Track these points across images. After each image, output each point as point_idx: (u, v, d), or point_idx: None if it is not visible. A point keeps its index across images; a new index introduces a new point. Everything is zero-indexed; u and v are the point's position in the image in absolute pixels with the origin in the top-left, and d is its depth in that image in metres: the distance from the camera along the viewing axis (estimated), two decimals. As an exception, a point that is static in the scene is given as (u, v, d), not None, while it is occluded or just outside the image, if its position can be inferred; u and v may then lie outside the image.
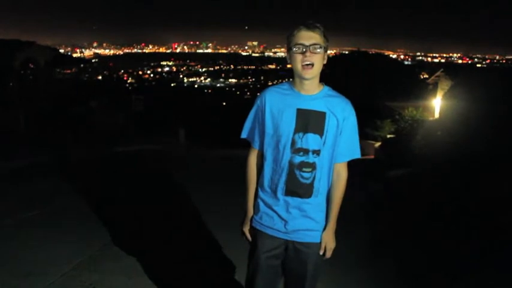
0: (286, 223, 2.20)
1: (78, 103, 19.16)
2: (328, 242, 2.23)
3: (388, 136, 17.14)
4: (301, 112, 2.12)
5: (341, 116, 2.15)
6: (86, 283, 3.48)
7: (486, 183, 7.11)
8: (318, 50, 2.08)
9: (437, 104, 18.46)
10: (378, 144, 16.77)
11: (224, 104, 41.68)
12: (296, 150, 2.13)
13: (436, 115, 17.99)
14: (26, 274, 3.60)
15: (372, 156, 15.97)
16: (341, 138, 2.18)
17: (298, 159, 2.14)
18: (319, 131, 2.12)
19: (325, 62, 2.14)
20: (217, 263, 3.96)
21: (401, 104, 19.74)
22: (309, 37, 2.07)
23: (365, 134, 17.91)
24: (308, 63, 2.08)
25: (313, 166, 2.15)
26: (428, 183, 8.26)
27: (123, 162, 9.85)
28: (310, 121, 2.12)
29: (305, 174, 2.15)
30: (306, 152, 2.13)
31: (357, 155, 2.25)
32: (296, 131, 2.12)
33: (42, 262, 3.84)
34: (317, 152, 2.13)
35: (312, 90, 2.16)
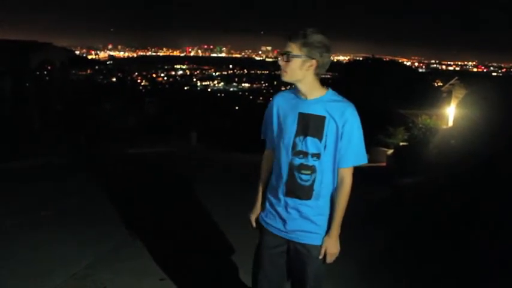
0: (285, 223, 2.28)
1: (92, 104, 19.37)
2: (329, 247, 2.25)
3: (401, 144, 17.00)
4: (302, 116, 2.20)
5: (340, 120, 2.17)
6: (98, 283, 3.51)
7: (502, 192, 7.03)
8: (288, 58, 2.15)
9: (451, 112, 18.27)
10: (390, 151, 16.65)
11: (237, 108, 41.74)
12: (296, 153, 2.21)
13: (450, 123, 17.81)
14: (37, 273, 3.64)
15: (384, 164, 15.86)
16: (341, 143, 2.18)
17: (297, 161, 2.22)
18: (318, 135, 2.18)
19: (307, 69, 2.16)
20: (227, 265, 3.97)
21: (415, 111, 19.57)
22: (286, 46, 2.17)
23: (377, 141, 17.79)
24: (281, 68, 2.19)
25: (312, 169, 2.20)
26: (439, 192, 8.18)
27: (135, 163, 9.92)
28: (309, 125, 2.19)
29: (304, 177, 2.22)
30: (305, 154, 2.20)
31: (360, 160, 2.24)
32: (297, 134, 2.21)
33: (54, 261, 3.88)
34: (317, 156, 2.19)
35: (311, 95, 2.21)
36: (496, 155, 8.80)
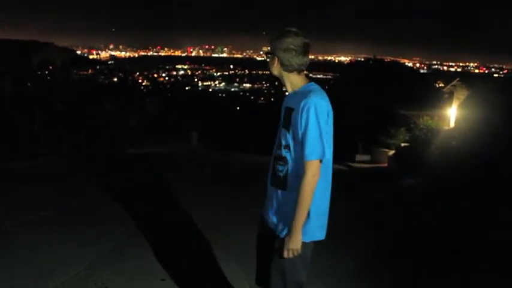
0: (268, 213, 2.39)
1: (93, 104, 19.37)
2: (287, 241, 2.21)
3: (402, 144, 17.00)
4: (284, 109, 2.34)
5: (299, 111, 2.18)
6: (99, 283, 3.51)
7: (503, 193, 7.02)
8: (267, 56, 2.35)
9: (452, 113, 18.28)
10: (391, 152, 16.64)
11: (238, 108, 41.76)
12: (277, 145, 2.36)
13: (452, 124, 17.81)
14: (37, 273, 3.63)
15: (386, 164, 15.86)
16: (301, 134, 2.18)
17: (277, 152, 2.34)
18: (287, 126, 2.26)
19: (275, 65, 2.31)
20: (227, 265, 3.96)
21: (416, 112, 19.56)
22: None
23: (379, 142, 17.81)
24: None
25: (284, 160, 2.28)
26: (440, 193, 8.17)
27: (136, 163, 9.92)
28: (285, 117, 2.30)
29: (279, 167, 2.31)
30: (280, 146, 2.31)
31: (311, 156, 2.15)
32: (280, 127, 2.35)
33: (54, 261, 3.88)
34: (287, 147, 2.27)
35: (290, 89, 2.34)
36: (497, 156, 8.79)
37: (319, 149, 2.15)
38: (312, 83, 2.31)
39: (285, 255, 2.21)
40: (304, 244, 2.21)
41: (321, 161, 2.17)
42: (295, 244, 2.19)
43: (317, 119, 2.14)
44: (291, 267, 2.26)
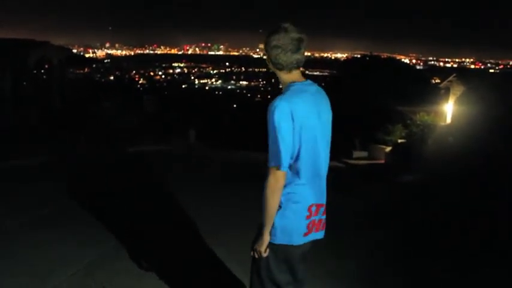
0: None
1: (90, 103, 19.32)
2: (256, 241, 2.23)
3: (399, 141, 17.05)
4: None
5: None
6: (98, 283, 3.52)
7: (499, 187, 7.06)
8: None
9: (449, 109, 18.36)
10: (388, 148, 16.68)
11: (235, 106, 41.69)
12: None
13: (448, 120, 17.88)
14: (37, 273, 3.64)
15: (383, 161, 15.89)
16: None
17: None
18: None
19: (269, 64, 2.24)
20: (228, 265, 3.98)
21: (413, 108, 19.62)
22: None
23: (376, 138, 17.85)
24: None
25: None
26: (437, 189, 8.21)
27: (134, 162, 9.92)
28: None
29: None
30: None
31: (269, 162, 2.09)
32: None
33: (54, 261, 3.89)
34: None
35: (282, 87, 2.25)
36: (494, 151, 8.84)
37: (275, 157, 2.05)
38: (297, 82, 2.20)
39: (251, 253, 2.24)
40: (272, 246, 2.18)
41: (278, 168, 2.05)
42: (259, 245, 2.19)
43: (273, 124, 2.05)
44: (263, 265, 2.24)
